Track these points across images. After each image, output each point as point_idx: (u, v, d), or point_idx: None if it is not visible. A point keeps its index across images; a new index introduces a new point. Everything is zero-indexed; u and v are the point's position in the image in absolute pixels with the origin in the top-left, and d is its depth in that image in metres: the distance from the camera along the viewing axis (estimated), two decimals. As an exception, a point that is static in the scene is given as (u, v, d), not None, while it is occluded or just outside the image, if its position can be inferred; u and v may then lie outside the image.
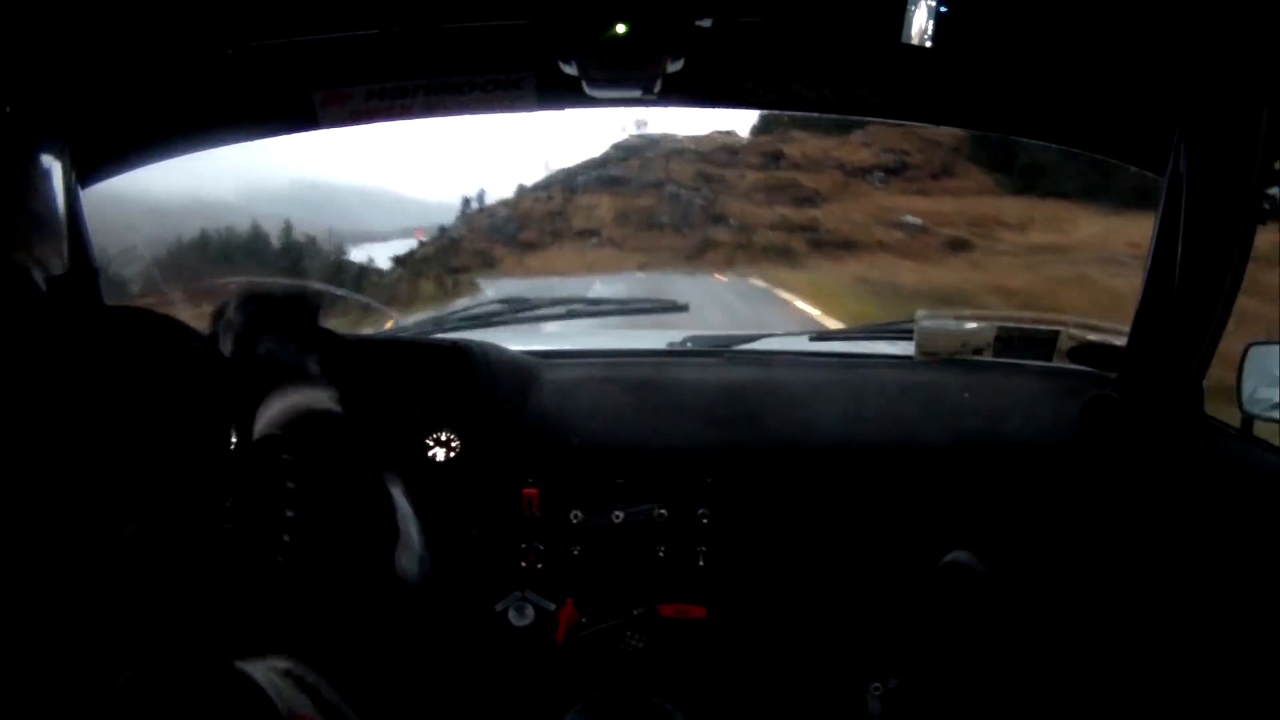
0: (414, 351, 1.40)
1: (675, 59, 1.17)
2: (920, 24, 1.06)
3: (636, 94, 1.23)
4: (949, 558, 1.30)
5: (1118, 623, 1.26)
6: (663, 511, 1.31)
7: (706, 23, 1.13)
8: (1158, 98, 1.20)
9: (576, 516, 1.31)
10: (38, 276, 1.26)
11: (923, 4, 1.05)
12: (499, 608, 1.32)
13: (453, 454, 1.32)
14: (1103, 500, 1.29)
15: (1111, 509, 1.29)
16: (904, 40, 1.06)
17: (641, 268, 13.82)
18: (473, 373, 1.34)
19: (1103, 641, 1.27)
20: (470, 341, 1.39)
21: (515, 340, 1.57)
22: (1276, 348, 1.20)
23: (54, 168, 1.24)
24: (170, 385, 0.63)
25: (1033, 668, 1.30)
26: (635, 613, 1.34)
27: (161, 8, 1.07)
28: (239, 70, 1.24)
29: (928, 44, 1.06)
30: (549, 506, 1.31)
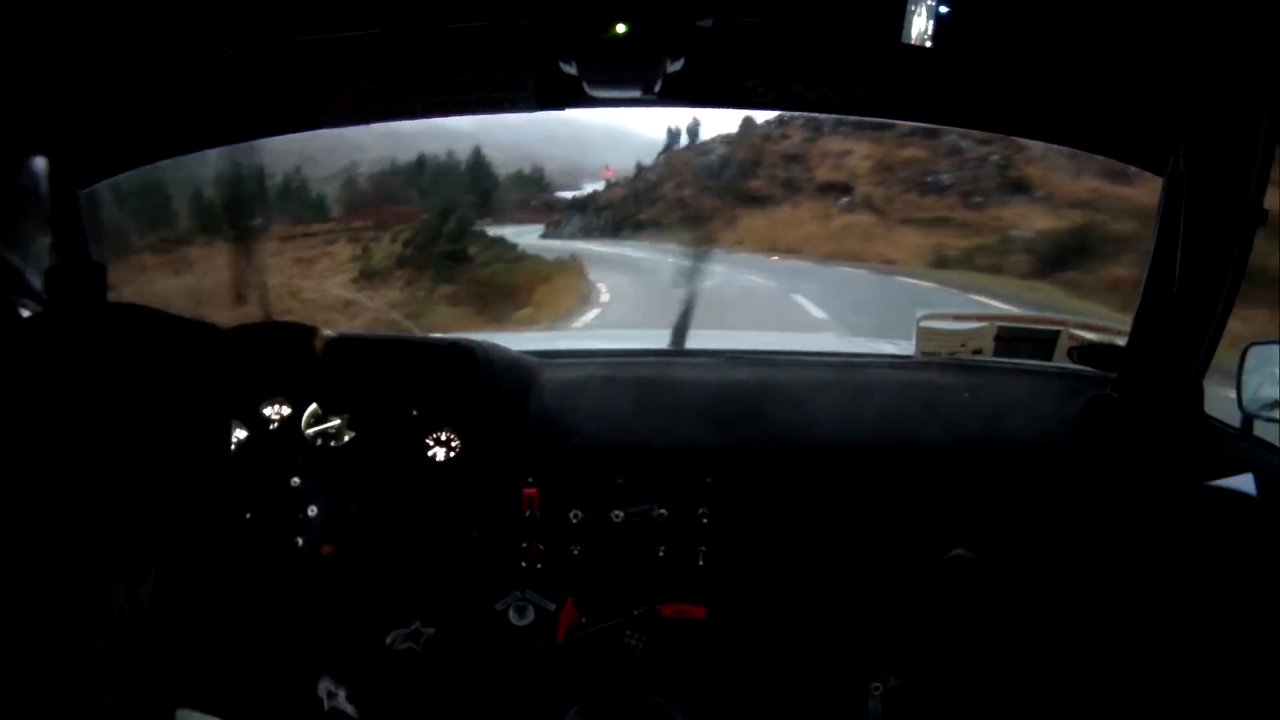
0: (414, 351, 1.40)
1: (675, 59, 1.17)
2: (920, 25, 1.06)
3: (636, 94, 1.23)
4: (949, 555, 1.30)
5: (1118, 621, 1.26)
6: (663, 511, 1.31)
7: (706, 23, 1.13)
8: (1158, 98, 1.20)
9: (576, 516, 1.31)
10: (36, 278, 1.27)
11: (923, 5, 1.05)
12: (499, 608, 1.32)
13: (453, 454, 1.32)
14: (1103, 499, 1.29)
15: (1112, 508, 1.29)
16: (904, 41, 1.06)
17: (936, 267, 8.08)
18: (473, 373, 1.34)
19: (1103, 639, 1.27)
20: (471, 341, 1.39)
21: (516, 340, 1.57)
22: (1276, 348, 1.20)
23: (53, 168, 1.24)
24: (169, 380, 0.63)
25: (1033, 666, 1.30)
26: (635, 613, 1.34)
27: (163, 9, 1.07)
28: (239, 70, 1.24)
29: (928, 44, 1.06)
30: (549, 506, 1.31)
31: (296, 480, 1.27)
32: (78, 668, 0.50)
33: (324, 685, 1.24)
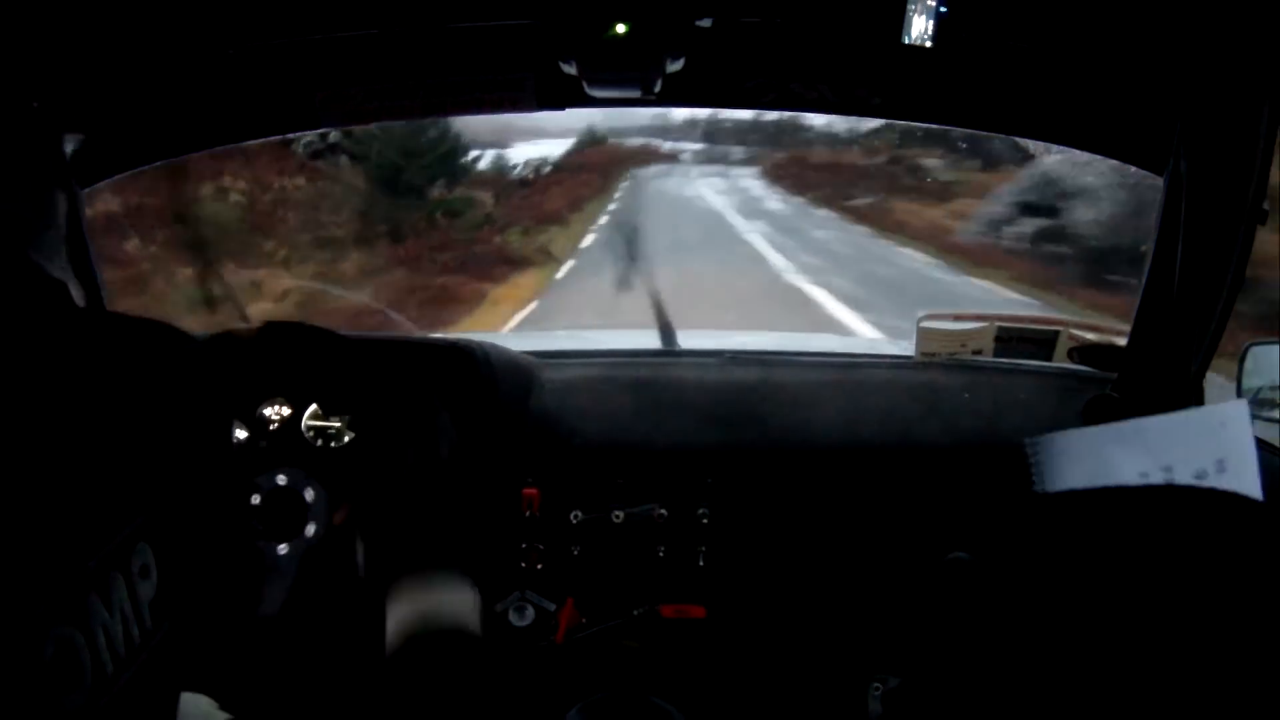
0: (414, 351, 1.40)
1: (675, 59, 1.17)
2: (920, 24, 1.06)
3: (636, 94, 1.23)
4: (948, 557, 1.30)
5: (1117, 622, 1.26)
6: (663, 511, 1.31)
7: (706, 23, 1.13)
8: (1158, 98, 1.20)
9: (576, 516, 1.31)
10: (37, 280, 1.26)
11: (923, 4, 1.05)
12: (499, 608, 1.32)
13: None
14: (1102, 500, 1.29)
15: (1111, 509, 1.29)
16: (904, 40, 1.06)
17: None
18: (473, 373, 1.34)
19: (1102, 640, 1.27)
20: (471, 341, 1.39)
21: (516, 340, 1.56)
22: (1276, 348, 1.20)
23: (54, 169, 1.24)
24: (165, 387, 0.63)
25: (1032, 668, 1.30)
26: (635, 613, 1.34)
27: (162, 9, 1.07)
28: (239, 70, 1.24)
29: (928, 44, 1.06)
30: (549, 506, 1.31)
31: (292, 481, 1.26)
32: (77, 666, 0.49)
33: None
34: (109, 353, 0.61)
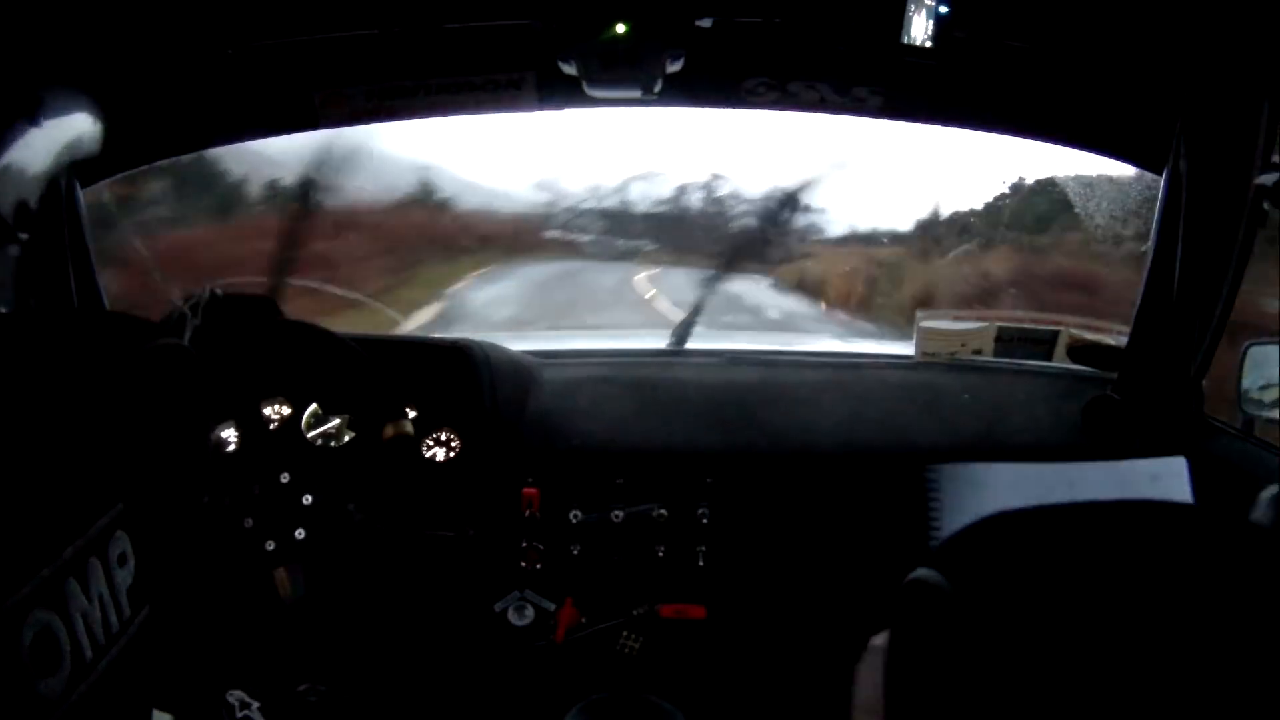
0: (414, 351, 1.40)
1: (675, 59, 1.17)
2: (920, 25, 1.06)
3: (636, 94, 1.23)
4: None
5: (1118, 622, 1.26)
6: (662, 511, 1.31)
7: (706, 23, 1.13)
8: (1157, 96, 1.20)
9: (576, 516, 1.31)
10: (34, 278, 1.26)
11: (923, 4, 1.05)
12: (499, 608, 1.32)
13: (453, 454, 1.32)
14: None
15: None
16: (904, 41, 1.06)
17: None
18: (473, 373, 1.34)
19: (1103, 641, 1.27)
20: (471, 341, 1.39)
21: (516, 340, 1.56)
22: (1276, 348, 1.20)
23: (54, 168, 1.24)
24: (146, 380, 0.63)
25: (1032, 670, 1.29)
26: (635, 613, 1.34)
27: (163, 8, 1.07)
28: (239, 70, 1.24)
29: (928, 44, 1.06)
30: (549, 506, 1.31)
31: (287, 477, 1.26)
32: (56, 651, 0.49)
33: (234, 695, 1.19)
34: (91, 347, 0.61)
